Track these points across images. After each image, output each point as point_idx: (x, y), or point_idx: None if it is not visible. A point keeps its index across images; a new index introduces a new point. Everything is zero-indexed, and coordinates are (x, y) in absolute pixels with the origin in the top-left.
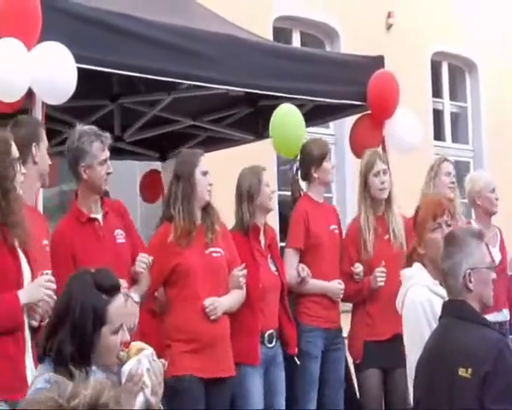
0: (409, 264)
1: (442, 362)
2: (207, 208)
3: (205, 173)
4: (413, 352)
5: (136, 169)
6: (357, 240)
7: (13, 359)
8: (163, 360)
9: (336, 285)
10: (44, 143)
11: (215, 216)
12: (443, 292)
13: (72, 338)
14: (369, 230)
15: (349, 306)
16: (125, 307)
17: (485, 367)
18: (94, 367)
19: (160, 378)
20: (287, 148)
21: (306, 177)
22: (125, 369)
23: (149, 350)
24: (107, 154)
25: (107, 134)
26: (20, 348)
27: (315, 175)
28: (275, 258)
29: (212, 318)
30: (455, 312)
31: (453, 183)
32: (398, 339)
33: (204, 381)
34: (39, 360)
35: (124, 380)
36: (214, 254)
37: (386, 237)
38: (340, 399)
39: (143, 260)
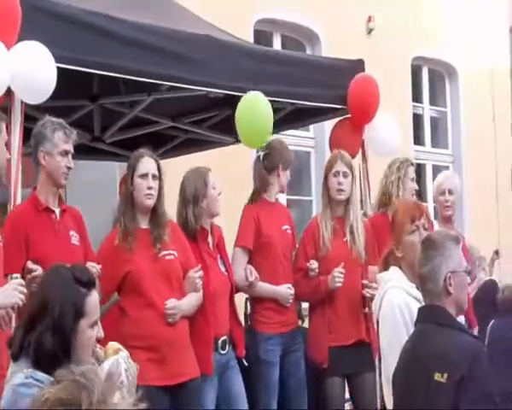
0: (385, 267)
1: (418, 367)
2: (154, 213)
3: (144, 176)
4: (391, 354)
5: (116, 170)
6: (316, 237)
7: None
8: (136, 364)
9: (286, 290)
10: (3, 137)
11: (163, 222)
12: (419, 295)
13: (53, 333)
14: (326, 228)
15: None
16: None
17: (461, 372)
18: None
19: (135, 380)
20: (253, 138)
21: (271, 172)
22: (104, 367)
23: (125, 352)
24: (70, 147)
25: (74, 130)
26: None
27: (280, 175)
28: (224, 257)
29: (170, 321)
30: (431, 317)
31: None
32: (361, 344)
33: (168, 388)
34: (13, 358)
35: (103, 378)
36: (167, 257)
37: (345, 239)
38: (303, 400)
39: (92, 269)
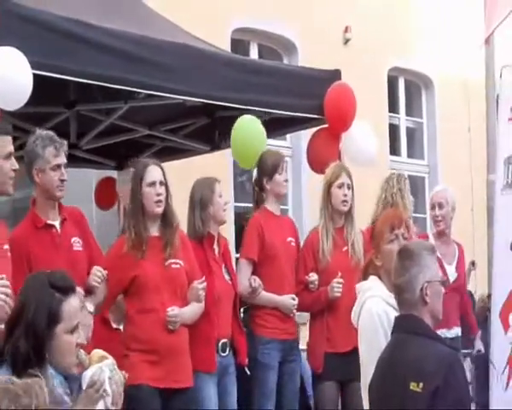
0: (364, 277)
1: (394, 376)
2: (165, 220)
3: (152, 184)
4: (370, 363)
5: (93, 177)
6: (315, 249)
7: None
8: (123, 372)
9: (289, 300)
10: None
11: (173, 228)
12: None
13: (27, 337)
14: (327, 239)
15: (305, 318)
16: (80, 308)
17: (436, 382)
18: (53, 371)
19: (120, 389)
20: (244, 158)
21: (261, 188)
22: (87, 375)
23: (111, 360)
24: (61, 160)
25: (64, 141)
26: None
27: (267, 187)
28: (228, 267)
29: (171, 328)
30: (407, 327)
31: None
32: (357, 352)
33: (161, 391)
34: None
35: (85, 386)
36: (173, 266)
37: (345, 248)
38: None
39: (98, 273)
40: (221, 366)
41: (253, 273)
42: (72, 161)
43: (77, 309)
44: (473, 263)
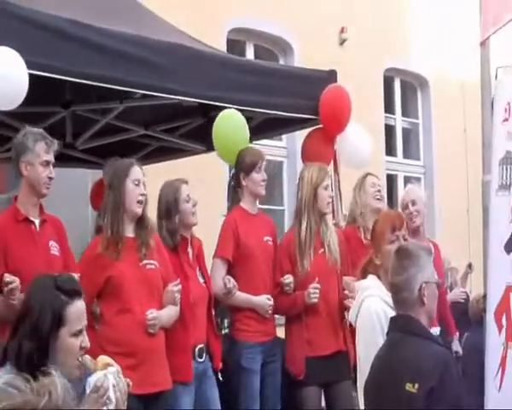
0: (363, 275)
1: (390, 377)
2: (141, 221)
3: (136, 183)
4: (367, 362)
5: (88, 177)
6: (292, 252)
7: None
8: (128, 380)
9: (265, 300)
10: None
11: (149, 229)
12: None
13: (31, 337)
14: (310, 245)
15: (282, 319)
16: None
17: (432, 382)
18: (56, 372)
19: (124, 397)
20: (228, 154)
21: (238, 185)
22: (91, 380)
23: (116, 368)
24: (51, 157)
25: (55, 140)
26: None
27: (244, 183)
28: (202, 269)
29: (151, 331)
30: (403, 327)
31: (379, 191)
32: (339, 354)
33: (140, 396)
34: (0, 363)
35: (88, 391)
36: (148, 267)
37: (321, 250)
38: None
39: None
40: (198, 372)
41: (228, 273)
42: (68, 160)
43: (82, 312)
44: (469, 266)
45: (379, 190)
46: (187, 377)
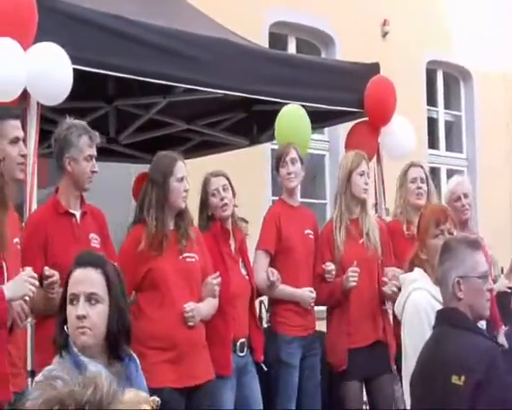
0: (410, 269)
1: (436, 370)
2: (181, 214)
3: (181, 180)
4: (414, 353)
5: (131, 171)
6: (331, 241)
7: None
8: (156, 398)
9: (307, 293)
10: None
11: (189, 222)
12: None
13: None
14: (340, 229)
15: (322, 313)
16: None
17: (478, 375)
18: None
19: None
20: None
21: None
22: None
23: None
24: (94, 151)
25: (97, 133)
26: (2, 349)
27: (279, 179)
28: (245, 262)
29: (191, 324)
30: (447, 320)
31: (420, 188)
32: (379, 345)
33: (182, 390)
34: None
35: None
36: (188, 260)
37: (361, 240)
38: (317, 405)
39: None
40: (239, 366)
41: (270, 266)
42: (112, 155)
43: (79, 280)
44: None
45: (419, 187)
46: (227, 370)
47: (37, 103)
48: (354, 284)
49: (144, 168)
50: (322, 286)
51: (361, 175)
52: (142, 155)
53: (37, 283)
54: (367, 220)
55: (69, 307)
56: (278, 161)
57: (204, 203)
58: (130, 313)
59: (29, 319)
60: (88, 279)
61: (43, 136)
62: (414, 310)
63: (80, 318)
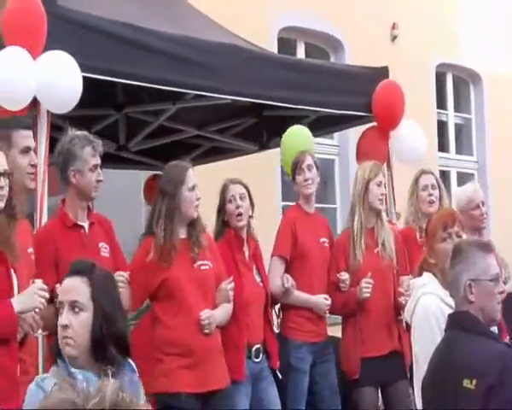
0: (419, 273)
1: (447, 374)
2: (193, 223)
3: (192, 189)
4: (423, 357)
5: (141, 178)
6: (347, 249)
7: (6, 368)
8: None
9: (322, 300)
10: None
11: (201, 230)
12: (453, 303)
13: None
14: (360, 238)
15: (337, 318)
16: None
17: (490, 379)
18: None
19: None
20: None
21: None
22: None
23: None
24: (98, 160)
25: (99, 141)
26: (13, 358)
27: (295, 187)
28: (259, 268)
29: (207, 331)
30: (458, 323)
31: (431, 195)
32: (395, 355)
33: (199, 395)
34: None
35: None
36: (202, 268)
37: (376, 250)
38: (336, 408)
39: (120, 278)
40: (254, 371)
41: (285, 272)
42: (121, 162)
43: (64, 289)
44: None
45: (430, 194)
46: (240, 375)
47: (47, 112)
48: (368, 295)
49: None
50: (337, 295)
51: (378, 185)
52: (151, 162)
53: (47, 295)
54: (383, 230)
55: (58, 317)
56: (294, 168)
57: (221, 208)
58: (124, 320)
59: (39, 331)
60: (72, 287)
61: (53, 144)
62: (423, 315)
63: (63, 327)
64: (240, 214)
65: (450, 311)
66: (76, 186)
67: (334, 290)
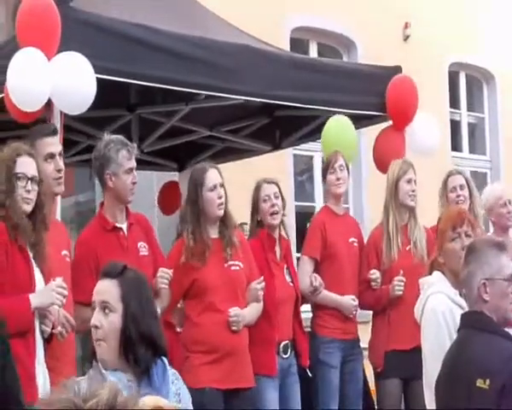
0: (430, 272)
1: (460, 373)
2: (225, 221)
3: (213, 189)
4: (433, 361)
5: (154, 179)
6: (378, 248)
7: (23, 362)
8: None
9: (349, 301)
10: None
11: (233, 229)
12: (463, 302)
13: None
14: (397, 237)
15: (367, 317)
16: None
17: (503, 379)
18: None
19: None
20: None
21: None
22: None
23: None
24: (133, 163)
25: (134, 144)
26: (30, 352)
27: (325, 187)
28: (290, 269)
29: (235, 329)
30: (472, 322)
31: (459, 196)
32: (419, 350)
33: (223, 392)
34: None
35: None
36: (233, 268)
37: (408, 247)
38: (358, 408)
39: (165, 275)
40: (283, 367)
41: (315, 272)
42: None
43: (96, 291)
44: None
45: (459, 195)
46: (271, 370)
47: (61, 113)
48: (400, 293)
49: (167, 175)
50: (369, 292)
51: (408, 182)
52: (164, 163)
53: (65, 292)
54: (416, 228)
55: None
56: (326, 168)
57: (254, 208)
58: (155, 320)
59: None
60: (103, 289)
61: (67, 145)
62: (432, 315)
63: (94, 328)
64: (276, 213)
65: (460, 310)
66: (113, 189)
67: (366, 288)
